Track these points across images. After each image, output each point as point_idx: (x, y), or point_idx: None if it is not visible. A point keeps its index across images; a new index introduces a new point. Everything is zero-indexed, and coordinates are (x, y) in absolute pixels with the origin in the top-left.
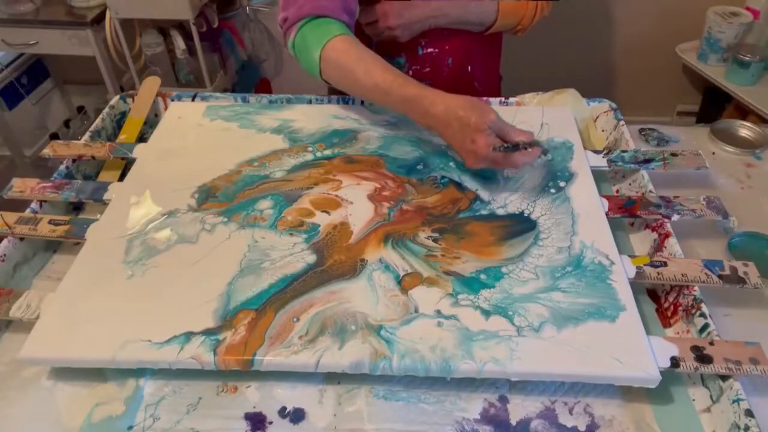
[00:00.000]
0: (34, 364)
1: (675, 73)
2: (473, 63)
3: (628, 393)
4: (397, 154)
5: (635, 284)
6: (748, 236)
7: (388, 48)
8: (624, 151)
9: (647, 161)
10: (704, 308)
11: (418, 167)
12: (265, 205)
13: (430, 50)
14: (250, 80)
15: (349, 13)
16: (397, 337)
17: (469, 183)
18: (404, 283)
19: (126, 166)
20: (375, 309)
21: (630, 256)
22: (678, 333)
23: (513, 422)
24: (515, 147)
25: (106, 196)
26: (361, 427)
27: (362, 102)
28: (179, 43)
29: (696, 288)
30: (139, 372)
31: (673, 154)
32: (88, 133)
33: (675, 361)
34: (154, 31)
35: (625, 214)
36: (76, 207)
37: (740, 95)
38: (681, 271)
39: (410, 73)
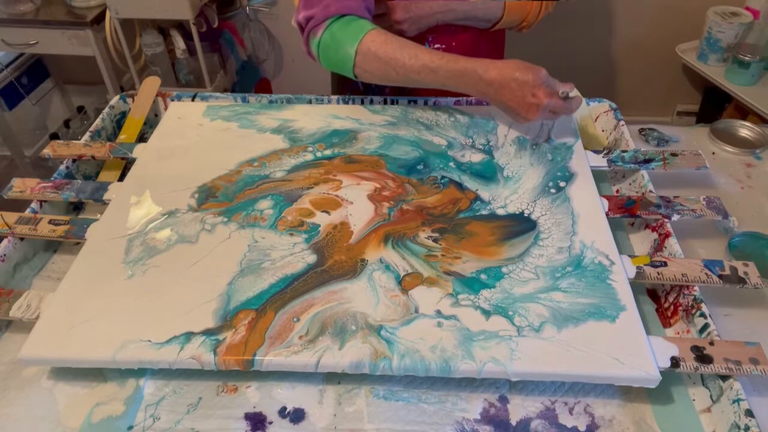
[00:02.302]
0: (34, 364)
1: (675, 73)
2: (479, 55)
3: (628, 393)
4: (397, 154)
5: (635, 284)
6: (748, 236)
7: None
8: (624, 151)
9: (647, 161)
10: (704, 308)
11: (419, 167)
12: (265, 205)
13: (437, 46)
14: (250, 80)
15: (370, 12)
16: (397, 337)
17: (469, 183)
18: (404, 283)
19: (126, 166)
20: (375, 309)
21: (630, 256)
22: (678, 333)
23: (513, 422)
24: (566, 97)
25: (106, 196)
26: (361, 427)
27: (362, 102)
28: (179, 43)
29: (696, 288)
30: (139, 372)
31: (673, 154)
32: (88, 133)
33: (675, 361)
34: (154, 31)
35: (625, 214)
36: (76, 207)
37: (740, 95)
38: (681, 271)
39: None
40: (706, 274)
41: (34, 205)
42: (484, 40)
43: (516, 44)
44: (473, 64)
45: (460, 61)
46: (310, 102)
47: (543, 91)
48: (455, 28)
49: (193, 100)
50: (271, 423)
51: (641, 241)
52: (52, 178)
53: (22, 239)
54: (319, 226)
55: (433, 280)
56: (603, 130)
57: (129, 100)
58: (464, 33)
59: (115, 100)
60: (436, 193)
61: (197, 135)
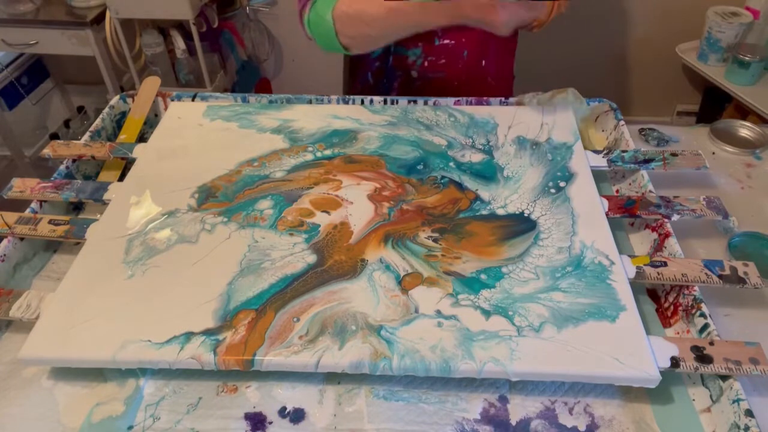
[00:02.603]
0: (34, 364)
1: (675, 73)
2: (488, 58)
3: (628, 393)
4: (398, 154)
5: (635, 284)
6: (748, 236)
7: (404, 39)
8: (624, 151)
9: (647, 161)
10: (704, 308)
11: (419, 167)
12: (265, 205)
13: (446, 41)
14: (250, 80)
15: None
16: (397, 337)
17: (470, 183)
18: (405, 283)
19: (126, 166)
20: (375, 309)
21: (630, 256)
22: (678, 333)
23: (513, 422)
24: None
25: (106, 196)
26: (361, 427)
27: (362, 101)
28: (179, 43)
29: (696, 288)
30: (139, 372)
31: (673, 154)
32: (88, 133)
33: (675, 361)
34: (154, 31)
35: (625, 214)
36: (76, 207)
37: (740, 95)
38: (681, 271)
39: (426, 63)
40: (706, 274)
41: (34, 205)
42: (495, 39)
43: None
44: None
45: None
46: (310, 102)
47: None
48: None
49: (193, 100)
50: (271, 423)
51: (641, 241)
52: (52, 178)
53: (22, 239)
54: (319, 226)
55: (434, 280)
56: (603, 130)
57: (129, 100)
58: (474, 30)
59: (115, 100)
60: (436, 193)
61: (197, 135)
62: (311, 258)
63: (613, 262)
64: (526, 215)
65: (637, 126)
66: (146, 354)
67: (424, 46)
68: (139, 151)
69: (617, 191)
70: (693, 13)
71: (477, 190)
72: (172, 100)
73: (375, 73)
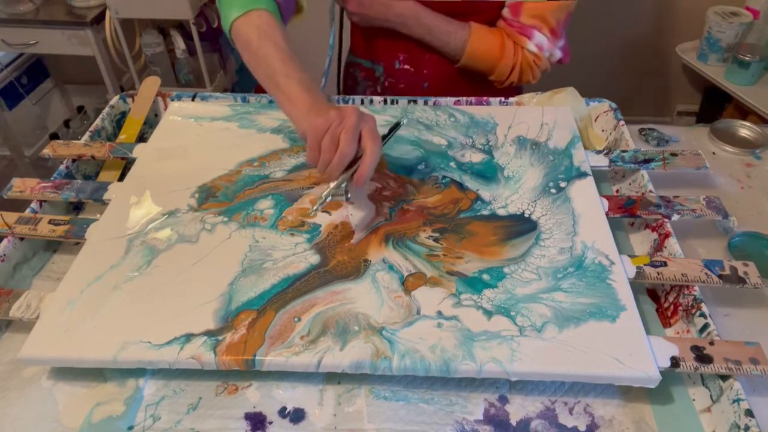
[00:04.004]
0: (34, 364)
1: (675, 73)
2: (454, 92)
3: (628, 393)
4: (399, 154)
5: (635, 284)
6: (748, 236)
7: (373, 51)
8: (624, 151)
9: (647, 161)
10: (704, 308)
11: (420, 167)
12: (265, 204)
13: (406, 67)
14: (250, 80)
15: None
16: (397, 337)
17: (471, 183)
18: (407, 283)
19: (126, 166)
20: (379, 311)
21: (630, 256)
22: (678, 333)
23: (513, 422)
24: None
25: (106, 196)
26: (361, 427)
27: (362, 101)
28: (179, 43)
29: (696, 288)
30: (139, 372)
31: (673, 154)
32: (88, 133)
33: (675, 361)
34: (154, 31)
35: (625, 214)
36: (76, 207)
37: (740, 95)
38: (681, 271)
39: (386, 84)
40: (706, 274)
41: (34, 205)
42: (465, 74)
43: None
44: (294, 108)
45: (292, 90)
46: None
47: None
48: (429, 55)
49: (193, 100)
50: (271, 423)
51: (641, 241)
52: (52, 178)
53: (22, 239)
54: (320, 226)
55: (436, 280)
56: (603, 130)
57: (129, 100)
58: (438, 62)
59: (115, 100)
60: (437, 193)
61: (197, 135)
62: (314, 258)
63: (613, 262)
64: (526, 216)
65: (637, 126)
66: (146, 354)
67: (385, 65)
68: (139, 151)
69: (617, 191)
70: (693, 13)
71: (478, 190)
72: (172, 100)
73: (345, 79)
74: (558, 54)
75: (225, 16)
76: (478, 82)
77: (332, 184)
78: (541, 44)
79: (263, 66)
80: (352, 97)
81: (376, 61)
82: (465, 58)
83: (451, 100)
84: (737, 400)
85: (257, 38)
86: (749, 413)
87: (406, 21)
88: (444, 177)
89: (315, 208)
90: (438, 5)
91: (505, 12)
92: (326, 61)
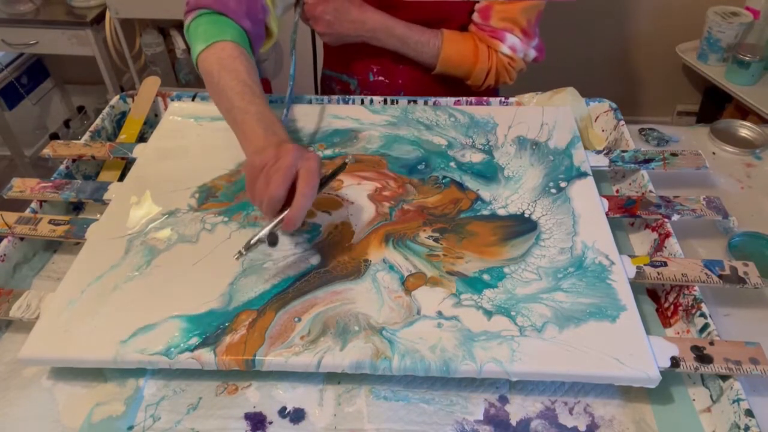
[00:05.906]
0: (34, 364)
1: (675, 73)
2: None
3: (628, 393)
4: (399, 154)
5: (635, 284)
6: (748, 236)
7: (346, 65)
8: (624, 151)
9: (647, 161)
10: (704, 308)
11: (420, 167)
12: None
13: (381, 78)
14: None
15: (253, 21)
16: (398, 337)
17: (471, 183)
18: (408, 284)
19: (126, 166)
20: (379, 312)
21: (630, 256)
22: (678, 333)
23: (513, 422)
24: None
25: (106, 196)
26: (361, 427)
27: (362, 101)
28: (179, 43)
29: (696, 288)
30: (139, 372)
31: (673, 154)
32: (88, 133)
33: (675, 361)
34: (154, 31)
35: (625, 214)
36: (76, 207)
37: (740, 95)
38: (681, 271)
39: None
40: (706, 274)
41: (34, 205)
42: (441, 81)
43: None
44: (248, 145)
45: (247, 123)
46: (310, 102)
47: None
48: (404, 66)
49: (193, 100)
50: (271, 423)
51: (641, 241)
52: (52, 178)
53: (22, 239)
54: (320, 226)
55: (437, 280)
56: (603, 130)
57: (129, 100)
58: (413, 72)
59: (115, 100)
60: (437, 193)
61: (197, 135)
62: (314, 258)
63: (613, 262)
64: (526, 216)
65: (637, 126)
66: (146, 354)
67: (359, 79)
68: (139, 151)
69: (617, 191)
70: (693, 13)
71: (478, 190)
72: (172, 100)
73: (323, 91)
74: (532, 53)
75: (192, 50)
76: (454, 87)
77: (266, 228)
78: (514, 46)
79: (223, 100)
80: (352, 97)
81: (350, 74)
82: (440, 65)
83: (451, 100)
84: (737, 400)
85: (218, 71)
86: (749, 413)
87: (377, 34)
88: (444, 177)
89: (241, 251)
90: (408, 15)
91: (475, 17)
92: (288, 92)
